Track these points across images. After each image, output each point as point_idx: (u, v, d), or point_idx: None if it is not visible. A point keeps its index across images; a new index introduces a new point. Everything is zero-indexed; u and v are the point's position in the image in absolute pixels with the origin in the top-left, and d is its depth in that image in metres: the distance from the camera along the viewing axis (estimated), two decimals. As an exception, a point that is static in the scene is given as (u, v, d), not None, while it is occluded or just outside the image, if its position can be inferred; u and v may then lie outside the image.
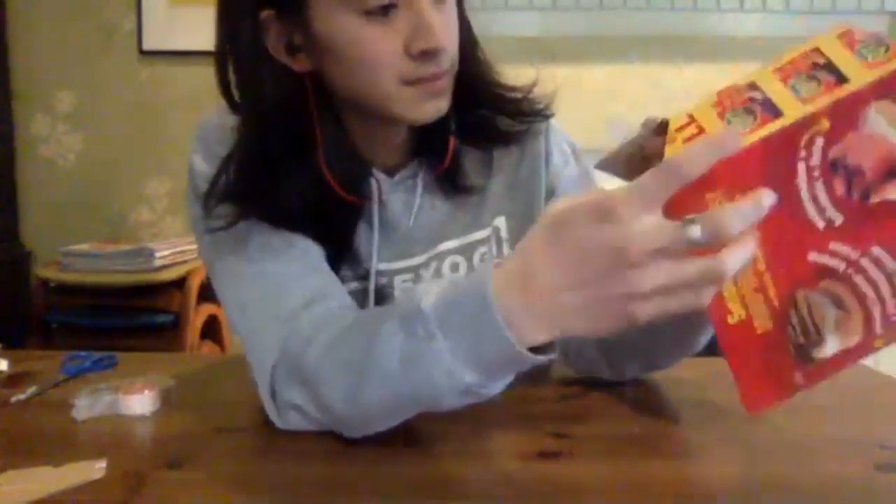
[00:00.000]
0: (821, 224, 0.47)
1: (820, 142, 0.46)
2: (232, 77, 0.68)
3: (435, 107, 0.67)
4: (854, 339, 0.51)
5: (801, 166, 0.46)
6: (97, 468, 0.59)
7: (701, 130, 0.48)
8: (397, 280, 0.77)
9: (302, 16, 0.64)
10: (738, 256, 0.43)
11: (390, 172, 0.76)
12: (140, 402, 0.73)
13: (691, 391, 0.78)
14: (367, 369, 0.56)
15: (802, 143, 0.46)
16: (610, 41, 2.44)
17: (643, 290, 0.43)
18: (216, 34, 0.68)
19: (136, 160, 2.52)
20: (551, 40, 2.40)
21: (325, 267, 0.72)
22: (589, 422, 0.70)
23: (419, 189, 0.76)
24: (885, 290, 0.49)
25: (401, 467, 0.59)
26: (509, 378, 0.53)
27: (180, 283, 2.23)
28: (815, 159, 0.46)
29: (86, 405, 0.72)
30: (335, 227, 0.73)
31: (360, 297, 0.76)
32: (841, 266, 0.49)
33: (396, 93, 0.65)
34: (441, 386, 0.52)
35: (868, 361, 0.99)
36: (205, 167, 0.72)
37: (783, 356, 0.51)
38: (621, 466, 0.60)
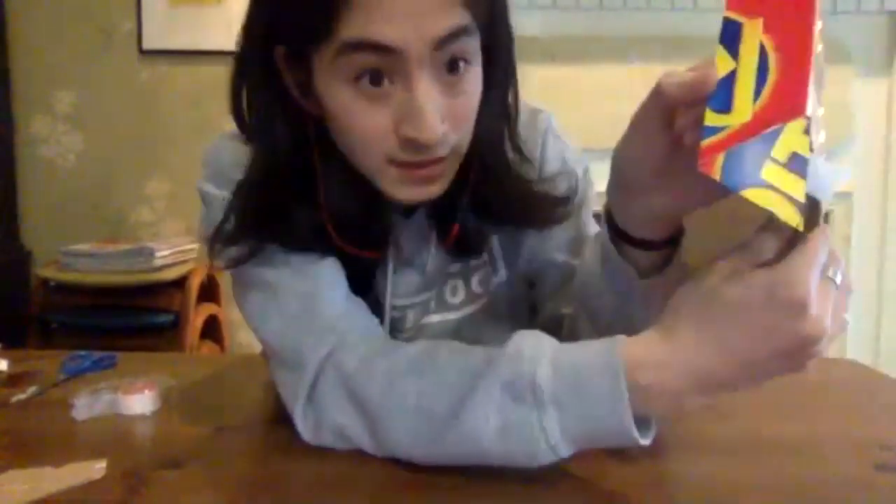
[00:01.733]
0: None
1: None
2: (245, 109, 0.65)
3: (423, 192, 0.62)
4: None
5: None
6: (97, 468, 0.59)
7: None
8: (411, 313, 0.75)
9: (306, 65, 0.59)
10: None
11: (406, 213, 0.71)
12: (140, 402, 0.73)
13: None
14: (456, 423, 0.54)
15: None
16: (610, 41, 2.44)
17: (820, 349, 0.46)
18: (232, 66, 0.64)
19: (136, 160, 2.52)
20: (551, 40, 2.40)
21: (348, 287, 0.69)
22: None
23: (434, 235, 0.72)
24: None
25: (400, 467, 0.59)
26: None
27: (180, 283, 2.23)
28: None
29: (86, 405, 0.72)
30: (351, 268, 0.69)
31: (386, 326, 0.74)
32: None
33: (383, 169, 0.60)
34: (538, 457, 0.52)
35: (868, 362, 0.99)
36: (219, 192, 0.68)
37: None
38: (621, 467, 0.60)
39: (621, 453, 0.63)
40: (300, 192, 0.65)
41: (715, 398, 0.49)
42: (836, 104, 2.35)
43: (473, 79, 0.59)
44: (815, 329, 0.44)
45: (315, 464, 0.60)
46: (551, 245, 0.76)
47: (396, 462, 0.60)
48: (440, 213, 0.70)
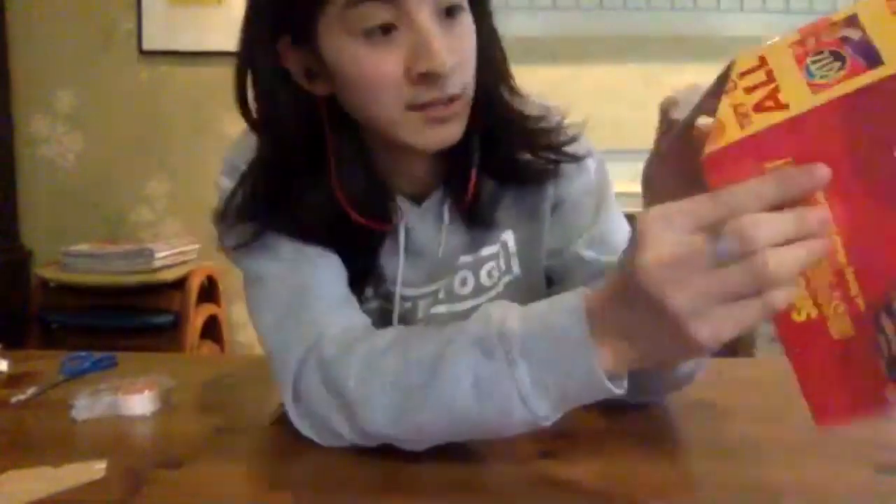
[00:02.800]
0: None
1: None
2: (250, 96, 0.67)
3: (442, 134, 0.63)
4: None
5: None
6: (97, 468, 0.59)
7: (770, 80, 0.39)
8: (421, 304, 0.76)
9: (313, 43, 0.62)
10: (787, 261, 0.38)
11: (417, 200, 0.74)
12: (140, 402, 0.73)
13: (694, 392, 0.78)
14: (430, 390, 0.55)
15: None
16: (610, 41, 2.44)
17: (683, 309, 0.40)
18: (237, 56, 0.66)
19: (136, 160, 2.52)
20: (551, 40, 2.40)
21: (346, 284, 0.71)
22: (589, 422, 0.70)
23: (446, 220, 0.74)
24: None
25: (400, 467, 0.59)
26: (565, 411, 0.53)
27: (180, 284, 2.23)
28: None
29: (86, 405, 0.72)
30: (356, 249, 0.71)
31: (382, 317, 0.75)
32: None
33: (401, 118, 0.62)
34: (513, 413, 0.52)
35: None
36: (228, 184, 0.71)
37: (869, 367, 0.40)
38: (621, 466, 0.60)
39: (621, 453, 0.63)
40: (309, 174, 0.67)
41: (662, 357, 0.47)
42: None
43: (468, 24, 0.63)
44: (646, 269, 0.40)
45: (315, 464, 0.60)
46: (575, 239, 0.75)
47: (396, 462, 0.60)
48: (455, 168, 0.71)
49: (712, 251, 0.39)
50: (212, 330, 2.39)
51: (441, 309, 0.77)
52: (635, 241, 0.42)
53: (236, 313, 2.52)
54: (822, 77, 0.37)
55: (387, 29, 0.59)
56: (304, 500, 0.55)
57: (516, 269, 0.77)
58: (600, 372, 0.47)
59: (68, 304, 2.22)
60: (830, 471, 0.59)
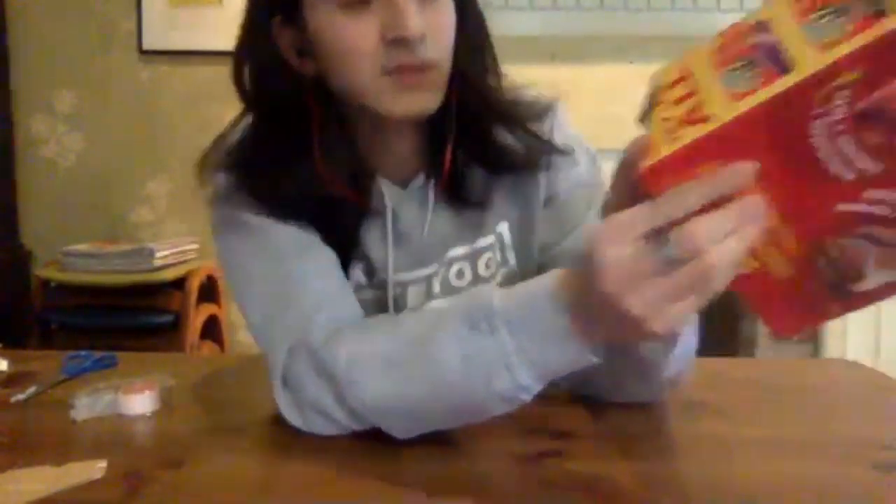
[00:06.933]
0: (850, 175, 0.41)
1: (844, 95, 0.38)
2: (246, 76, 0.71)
3: (415, 100, 0.67)
4: None
5: (817, 125, 0.39)
6: (97, 468, 0.59)
7: (693, 92, 0.42)
8: (411, 290, 0.78)
9: (300, 20, 0.67)
10: (726, 255, 0.42)
11: (403, 184, 0.77)
12: (140, 402, 0.73)
13: (692, 391, 0.78)
14: (419, 365, 0.58)
15: (816, 100, 0.38)
16: (610, 41, 2.44)
17: (639, 313, 0.44)
18: (237, 36, 0.71)
19: (136, 160, 2.52)
20: (551, 40, 2.40)
21: (340, 274, 0.73)
22: (589, 422, 0.70)
23: (431, 201, 0.76)
24: None
25: (401, 467, 0.59)
26: (545, 384, 0.55)
27: (180, 283, 2.23)
28: (838, 114, 0.38)
29: (86, 405, 0.72)
30: (338, 226, 0.73)
31: (375, 306, 0.76)
32: (885, 211, 0.42)
33: (375, 84, 0.65)
34: (497, 383, 0.54)
35: (868, 362, 0.99)
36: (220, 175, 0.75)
37: (811, 290, 0.47)
38: (621, 466, 0.60)
39: (622, 453, 0.63)
40: (294, 150, 0.70)
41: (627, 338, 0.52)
42: (836, 104, 2.34)
43: (445, 3, 0.67)
44: (598, 276, 0.45)
45: (315, 464, 0.61)
46: (569, 234, 0.76)
47: (397, 462, 0.60)
48: (436, 150, 0.74)
49: (660, 256, 0.43)
50: (212, 330, 2.39)
51: (439, 303, 0.78)
52: (589, 259, 0.46)
53: (236, 313, 2.51)
54: (739, 86, 0.40)
55: (365, 1, 0.63)
56: (303, 500, 0.55)
57: (512, 261, 0.78)
58: (575, 336, 0.51)
59: (68, 304, 2.22)
60: (830, 470, 0.59)
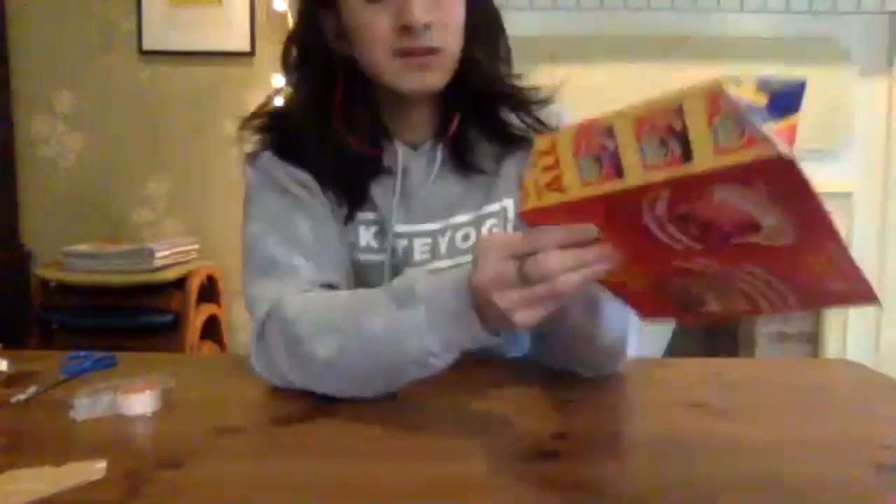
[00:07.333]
0: (679, 247, 0.51)
1: (663, 202, 0.48)
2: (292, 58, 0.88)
3: (421, 79, 0.81)
4: (739, 306, 0.56)
5: (648, 215, 0.50)
6: (97, 468, 0.59)
7: (556, 164, 0.52)
8: (417, 243, 0.89)
9: (335, 10, 0.83)
10: (570, 282, 0.56)
11: (415, 147, 0.90)
12: (140, 402, 0.73)
13: (690, 392, 0.78)
14: (354, 332, 0.69)
15: (645, 202, 0.49)
16: (610, 41, 2.43)
17: (504, 307, 0.58)
18: (293, 24, 0.90)
19: (136, 160, 2.52)
20: (551, 40, 2.40)
21: (338, 248, 0.85)
22: (589, 422, 0.70)
23: (437, 161, 0.89)
24: (762, 286, 0.53)
25: (401, 467, 0.59)
26: (456, 355, 0.67)
27: (180, 283, 2.23)
28: (661, 210, 0.49)
29: (86, 405, 0.72)
30: (353, 180, 0.87)
31: (384, 268, 0.88)
32: (713, 268, 0.53)
33: (387, 64, 0.80)
34: (410, 349, 0.66)
35: (868, 362, 0.99)
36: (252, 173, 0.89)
37: (662, 301, 0.60)
38: (620, 467, 0.60)
39: (622, 453, 0.63)
40: (323, 113, 0.85)
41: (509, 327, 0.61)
42: (836, 104, 2.34)
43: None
44: (479, 281, 0.59)
45: (315, 464, 0.61)
46: None
47: (397, 462, 0.60)
48: (447, 121, 0.89)
49: (522, 272, 0.56)
50: (212, 330, 2.40)
51: (445, 263, 0.89)
52: (475, 260, 0.61)
53: (236, 313, 2.52)
54: (588, 175, 0.50)
55: None
56: (303, 500, 0.55)
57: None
58: (475, 317, 0.62)
59: (68, 304, 2.22)
60: (830, 470, 0.59)
